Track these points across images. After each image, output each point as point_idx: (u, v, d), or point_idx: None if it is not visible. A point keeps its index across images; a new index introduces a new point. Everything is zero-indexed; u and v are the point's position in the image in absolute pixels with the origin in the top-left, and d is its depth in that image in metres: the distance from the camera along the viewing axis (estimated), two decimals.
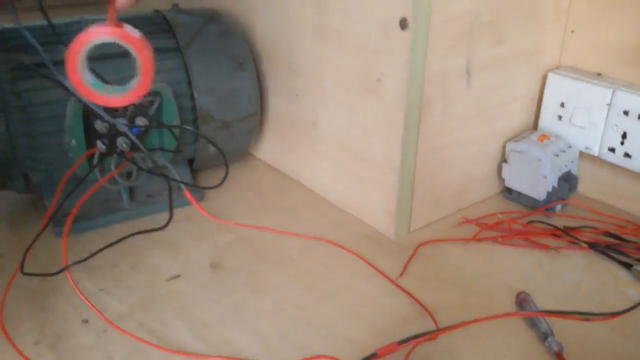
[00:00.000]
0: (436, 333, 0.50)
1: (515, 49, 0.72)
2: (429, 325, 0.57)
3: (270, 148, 0.87)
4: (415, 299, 0.61)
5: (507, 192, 0.79)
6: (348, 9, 0.66)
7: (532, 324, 0.57)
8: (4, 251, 0.67)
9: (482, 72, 0.70)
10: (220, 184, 0.69)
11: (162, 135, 0.70)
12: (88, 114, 0.64)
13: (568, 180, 0.75)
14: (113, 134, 0.65)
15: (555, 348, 0.54)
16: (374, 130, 0.68)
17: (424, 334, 0.46)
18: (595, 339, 0.56)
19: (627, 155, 0.71)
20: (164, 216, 0.74)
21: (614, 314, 0.47)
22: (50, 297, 0.60)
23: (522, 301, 0.60)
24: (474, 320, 0.50)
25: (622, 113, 0.70)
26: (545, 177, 0.73)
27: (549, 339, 0.55)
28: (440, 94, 0.66)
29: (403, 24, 0.59)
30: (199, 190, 0.78)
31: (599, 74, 0.75)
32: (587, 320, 0.45)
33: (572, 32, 0.77)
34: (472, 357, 0.54)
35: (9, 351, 0.53)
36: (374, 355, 0.42)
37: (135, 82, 0.43)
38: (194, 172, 0.83)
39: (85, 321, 0.57)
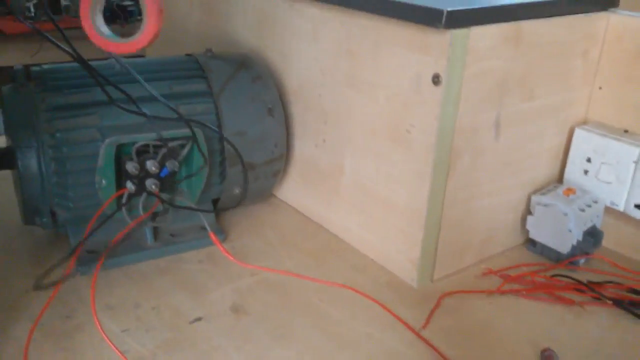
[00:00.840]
0: None
1: (544, 104, 0.73)
2: None
3: (294, 190, 0.88)
4: (440, 353, 0.60)
5: (531, 244, 0.79)
6: (381, 62, 0.67)
7: None
8: (29, 288, 0.67)
9: (511, 126, 0.70)
10: None
11: (190, 177, 0.71)
12: (120, 154, 0.65)
13: (593, 235, 0.74)
14: (143, 175, 0.66)
15: None
16: (401, 179, 0.69)
17: None
18: None
19: None
20: (187, 256, 0.75)
21: None
22: (73, 337, 0.60)
23: (547, 358, 0.59)
24: None
25: None
26: (571, 231, 0.72)
27: None
28: (469, 146, 0.67)
29: (436, 79, 0.59)
30: (222, 231, 0.79)
31: (626, 131, 0.75)
32: None
33: (600, 88, 0.77)
34: None
35: None
36: None
37: (142, 27, 0.43)
38: (217, 212, 0.83)
39: None
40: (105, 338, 0.58)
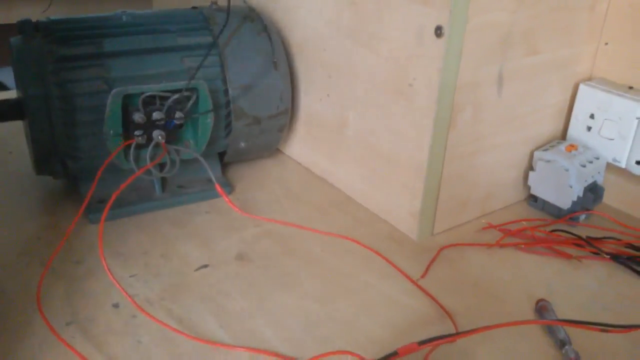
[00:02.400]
0: (456, 336, 0.52)
1: (548, 59, 0.73)
2: (448, 328, 0.58)
3: (299, 146, 0.89)
4: (436, 301, 0.62)
5: (532, 199, 0.79)
6: (384, 14, 0.67)
7: (550, 331, 0.58)
8: (41, 234, 0.70)
9: (514, 81, 0.70)
10: None
11: (195, 129, 0.72)
12: (127, 105, 0.66)
13: (594, 191, 0.75)
14: (149, 126, 0.67)
15: (572, 356, 0.55)
16: (403, 132, 0.69)
17: (444, 337, 0.47)
18: (612, 350, 0.56)
19: None
20: (194, 207, 0.77)
21: (633, 327, 0.48)
22: (83, 281, 0.63)
23: (541, 309, 0.60)
24: (494, 326, 0.51)
25: None
26: (572, 187, 0.73)
27: (567, 347, 0.55)
28: (471, 100, 0.67)
29: (438, 32, 0.60)
30: (228, 184, 0.80)
31: (630, 87, 0.75)
32: (605, 331, 0.46)
33: (606, 44, 0.77)
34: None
35: (44, 331, 0.56)
36: (395, 354, 0.44)
37: None
38: (224, 165, 0.85)
39: (116, 305, 0.60)
40: (114, 282, 0.61)
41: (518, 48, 0.68)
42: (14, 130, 0.93)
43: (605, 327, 0.46)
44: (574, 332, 0.57)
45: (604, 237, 0.73)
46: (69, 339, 0.55)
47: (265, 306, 0.61)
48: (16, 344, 0.54)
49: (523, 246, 0.71)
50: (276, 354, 0.54)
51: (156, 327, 0.57)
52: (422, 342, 0.45)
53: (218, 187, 0.69)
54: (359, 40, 0.72)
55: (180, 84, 0.68)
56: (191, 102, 0.68)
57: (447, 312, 0.60)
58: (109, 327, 0.57)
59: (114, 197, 0.63)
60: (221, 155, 0.82)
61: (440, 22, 0.60)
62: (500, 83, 0.69)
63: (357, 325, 0.59)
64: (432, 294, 0.63)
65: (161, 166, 0.73)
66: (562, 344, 0.56)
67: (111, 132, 0.66)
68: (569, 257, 0.70)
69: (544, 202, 0.78)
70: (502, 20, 0.65)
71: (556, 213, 0.77)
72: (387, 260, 0.68)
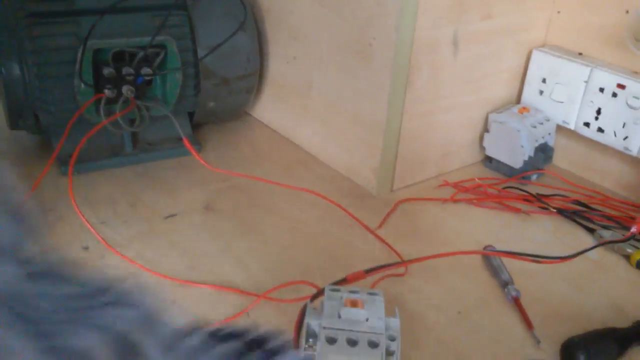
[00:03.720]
0: (401, 264, 0.56)
1: (502, 24, 0.77)
2: (407, 272, 0.63)
3: (267, 108, 0.92)
4: (390, 246, 0.66)
5: (488, 160, 0.84)
6: None
7: (495, 273, 0.62)
8: (14, 184, 0.72)
9: (470, 44, 0.74)
10: None
11: (164, 86, 0.75)
12: (98, 61, 0.69)
13: (544, 151, 0.79)
14: (119, 81, 0.70)
15: (514, 294, 0.59)
16: (364, 92, 0.73)
17: (388, 265, 0.51)
18: (549, 287, 0.61)
19: (600, 130, 0.76)
20: (164, 163, 0.80)
21: (562, 258, 0.52)
22: (54, 227, 0.66)
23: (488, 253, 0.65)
24: (438, 255, 0.55)
25: (597, 90, 0.75)
26: (522, 146, 0.77)
27: (509, 286, 0.60)
28: (427, 61, 0.71)
29: None
30: (198, 142, 0.83)
31: (580, 54, 0.79)
32: (538, 262, 0.50)
33: (559, 12, 0.81)
34: (437, 297, 0.59)
35: None
36: (344, 280, 0.47)
37: None
38: (194, 127, 0.88)
39: (86, 248, 0.63)
40: (86, 223, 0.64)
41: (473, 12, 0.72)
42: None
43: (538, 258, 0.50)
44: (516, 275, 0.61)
45: (553, 194, 0.78)
46: None
47: (230, 250, 0.64)
48: None
49: (475, 201, 0.76)
50: (238, 290, 0.58)
51: (125, 265, 0.60)
52: (368, 270, 0.49)
53: (186, 141, 0.72)
54: (324, 3, 0.75)
55: (149, 40, 0.70)
56: (159, 58, 0.71)
57: (399, 255, 0.64)
58: (77, 268, 0.60)
59: (80, 144, 0.66)
60: (191, 115, 0.85)
61: None
62: (456, 45, 0.73)
63: (314, 266, 0.62)
64: (387, 241, 0.67)
65: (132, 122, 0.75)
66: (505, 283, 0.61)
67: (82, 85, 0.68)
68: (517, 211, 0.74)
69: (498, 163, 0.82)
70: None
71: (509, 172, 0.81)
72: (347, 212, 0.72)
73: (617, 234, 0.69)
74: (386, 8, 0.66)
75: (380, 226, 0.70)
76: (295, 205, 0.73)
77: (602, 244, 0.64)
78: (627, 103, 0.72)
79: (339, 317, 0.43)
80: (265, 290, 0.57)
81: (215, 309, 0.56)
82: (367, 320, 0.42)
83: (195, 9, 0.77)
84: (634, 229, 0.60)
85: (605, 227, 0.71)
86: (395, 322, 0.43)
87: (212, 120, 0.88)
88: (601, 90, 0.75)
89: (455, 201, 0.76)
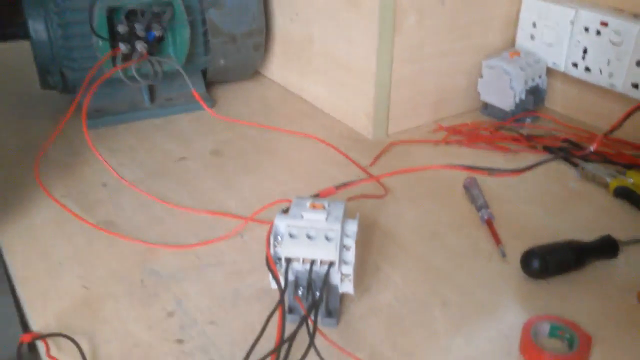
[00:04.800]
0: (370, 179, 0.62)
1: None
2: (384, 200, 0.68)
3: (276, 67, 0.98)
4: (380, 183, 0.71)
5: (484, 107, 0.87)
6: None
7: (472, 200, 0.67)
8: (48, 134, 0.81)
9: None
10: None
11: (175, 43, 0.82)
12: (112, 18, 0.77)
13: (535, 93, 0.83)
14: (133, 38, 0.77)
15: (487, 217, 0.64)
16: (356, 40, 0.78)
17: (358, 180, 0.57)
18: (525, 213, 0.65)
19: (587, 69, 0.79)
20: (179, 117, 0.87)
21: (514, 171, 0.56)
22: (76, 167, 0.74)
23: (468, 184, 0.69)
24: (411, 169, 0.59)
25: (583, 30, 0.77)
26: (512, 88, 0.81)
27: (483, 210, 0.64)
28: (414, 6, 0.75)
29: None
30: (210, 99, 0.90)
31: None
32: (492, 175, 0.55)
33: None
34: (413, 220, 0.64)
35: (43, 198, 0.67)
36: (316, 195, 0.53)
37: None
38: (209, 86, 0.95)
39: (104, 184, 0.71)
40: (107, 165, 0.72)
41: None
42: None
43: (491, 170, 0.55)
44: (494, 202, 0.66)
45: (544, 135, 0.81)
46: (63, 202, 0.66)
47: (230, 185, 0.71)
48: (16, 206, 0.66)
49: (466, 142, 0.80)
50: (230, 215, 0.65)
51: (137, 197, 0.68)
52: (339, 186, 0.54)
53: (195, 93, 0.79)
54: None
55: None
56: (168, 15, 0.78)
57: (384, 187, 0.69)
58: (97, 199, 0.68)
59: (90, 93, 0.74)
60: (205, 75, 0.92)
61: None
62: None
63: (304, 195, 0.68)
64: (376, 176, 0.72)
65: (146, 76, 0.83)
66: (480, 207, 0.65)
67: (99, 42, 0.76)
68: (506, 150, 0.78)
69: (493, 107, 0.85)
70: None
71: (503, 117, 0.84)
72: (342, 153, 0.78)
73: (599, 167, 0.72)
74: None
75: (372, 164, 0.75)
76: (296, 149, 0.79)
77: (553, 159, 0.69)
78: (610, 40, 0.75)
79: (302, 217, 0.49)
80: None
81: (212, 230, 0.63)
82: (326, 219, 0.48)
83: None
84: (592, 148, 0.63)
85: (587, 161, 0.74)
86: (353, 223, 0.49)
87: (225, 79, 0.95)
88: (586, 29, 0.77)
89: (447, 143, 0.80)
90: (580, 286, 0.55)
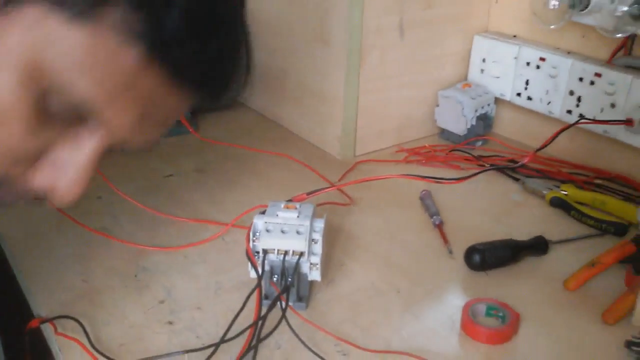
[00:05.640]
0: (337, 186, 0.72)
1: (443, 13, 0.91)
2: (350, 209, 0.77)
3: (256, 96, 1.08)
4: (345, 194, 0.80)
5: (440, 132, 0.98)
6: None
7: (426, 208, 0.76)
8: None
9: (414, 30, 0.89)
10: None
11: None
12: None
13: (484, 120, 0.93)
14: None
15: (437, 222, 0.73)
16: (327, 72, 0.88)
17: (327, 187, 0.67)
18: (471, 220, 0.75)
19: (529, 98, 0.90)
20: (167, 140, 0.96)
21: (457, 179, 0.66)
22: None
23: (423, 195, 0.79)
24: (373, 178, 0.69)
25: (525, 64, 0.89)
26: (465, 115, 0.92)
27: (435, 216, 0.74)
28: (377, 44, 0.86)
29: None
30: (194, 123, 0.99)
31: (514, 36, 0.93)
32: (439, 182, 0.65)
33: (496, 1, 0.95)
34: (375, 225, 0.74)
35: (45, 206, 0.75)
36: (289, 200, 0.62)
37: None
38: (194, 114, 1.04)
39: (99, 197, 0.79)
40: (104, 179, 0.80)
41: (414, 2, 0.87)
42: None
43: (438, 179, 0.64)
44: (445, 211, 0.75)
45: (492, 155, 0.91)
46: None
47: (213, 198, 0.80)
48: (21, 213, 0.73)
49: (424, 161, 0.90)
50: (214, 222, 0.73)
51: (131, 208, 0.76)
52: (310, 192, 0.63)
53: (182, 118, 0.88)
54: (292, 2, 0.91)
55: None
56: None
57: (349, 197, 0.79)
58: (93, 211, 0.76)
59: None
60: None
61: None
62: (402, 31, 0.88)
63: None
64: (343, 190, 0.81)
65: None
66: (432, 214, 0.75)
67: None
68: (458, 167, 0.88)
69: (448, 132, 0.96)
70: None
71: (457, 140, 0.95)
72: (314, 170, 0.87)
73: (538, 182, 0.82)
74: (338, 2, 0.82)
75: (339, 180, 0.85)
76: (273, 167, 0.88)
77: (490, 169, 0.82)
78: (548, 73, 0.86)
79: (277, 216, 0.58)
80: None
81: (198, 235, 0.71)
82: (297, 217, 0.57)
83: None
84: (524, 161, 0.73)
85: (528, 177, 0.84)
86: (320, 221, 0.58)
87: (208, 107, 1.04)
88: (528, 64, 0.89)
89: (408, 162, 0.90)
90: (514, 276, 0.64)
